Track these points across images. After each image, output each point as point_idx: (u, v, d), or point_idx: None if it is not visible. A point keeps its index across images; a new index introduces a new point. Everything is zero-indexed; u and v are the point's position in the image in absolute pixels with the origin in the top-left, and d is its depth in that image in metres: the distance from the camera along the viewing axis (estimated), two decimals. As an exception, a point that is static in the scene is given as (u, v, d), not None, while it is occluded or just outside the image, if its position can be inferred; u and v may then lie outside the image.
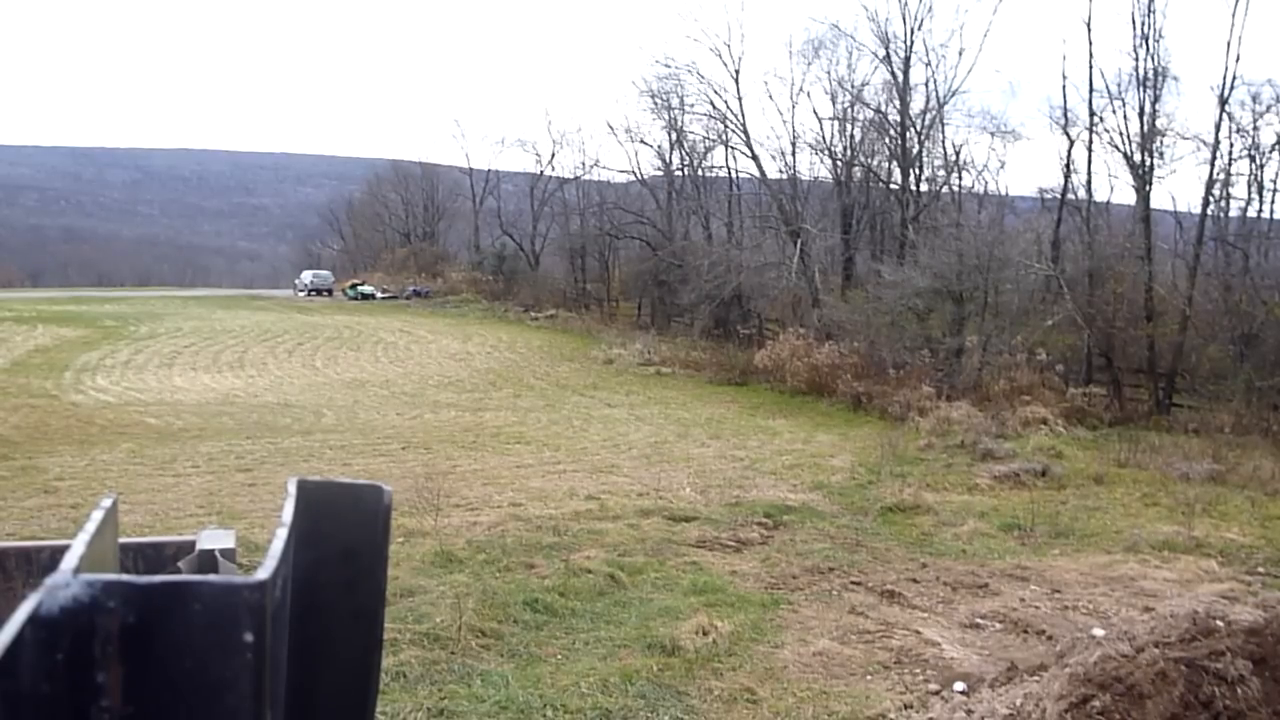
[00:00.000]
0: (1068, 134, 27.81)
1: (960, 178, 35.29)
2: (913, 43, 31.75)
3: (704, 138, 38.92)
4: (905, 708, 5.70)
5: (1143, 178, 24.74)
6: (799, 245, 29.97)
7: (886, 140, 33.46)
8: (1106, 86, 36.84)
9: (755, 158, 34.44)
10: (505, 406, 20.77)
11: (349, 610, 0.90)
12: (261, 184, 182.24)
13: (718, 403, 22.12)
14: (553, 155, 52.59)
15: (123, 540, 1.30)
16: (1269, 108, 25.30)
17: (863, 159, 34.48)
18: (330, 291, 55.55)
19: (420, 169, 64.98)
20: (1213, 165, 24.43)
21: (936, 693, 5.90)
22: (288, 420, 17.74)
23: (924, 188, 33.21)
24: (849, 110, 34.72)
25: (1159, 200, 41.99)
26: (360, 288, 52.71)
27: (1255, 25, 40.13)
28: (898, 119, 32.36)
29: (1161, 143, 25.22)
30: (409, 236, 65.05)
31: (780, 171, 35.50)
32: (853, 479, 13.38)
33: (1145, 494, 12.58)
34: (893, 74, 32.04)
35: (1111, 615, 7.41)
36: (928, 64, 32.58)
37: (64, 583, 0.61)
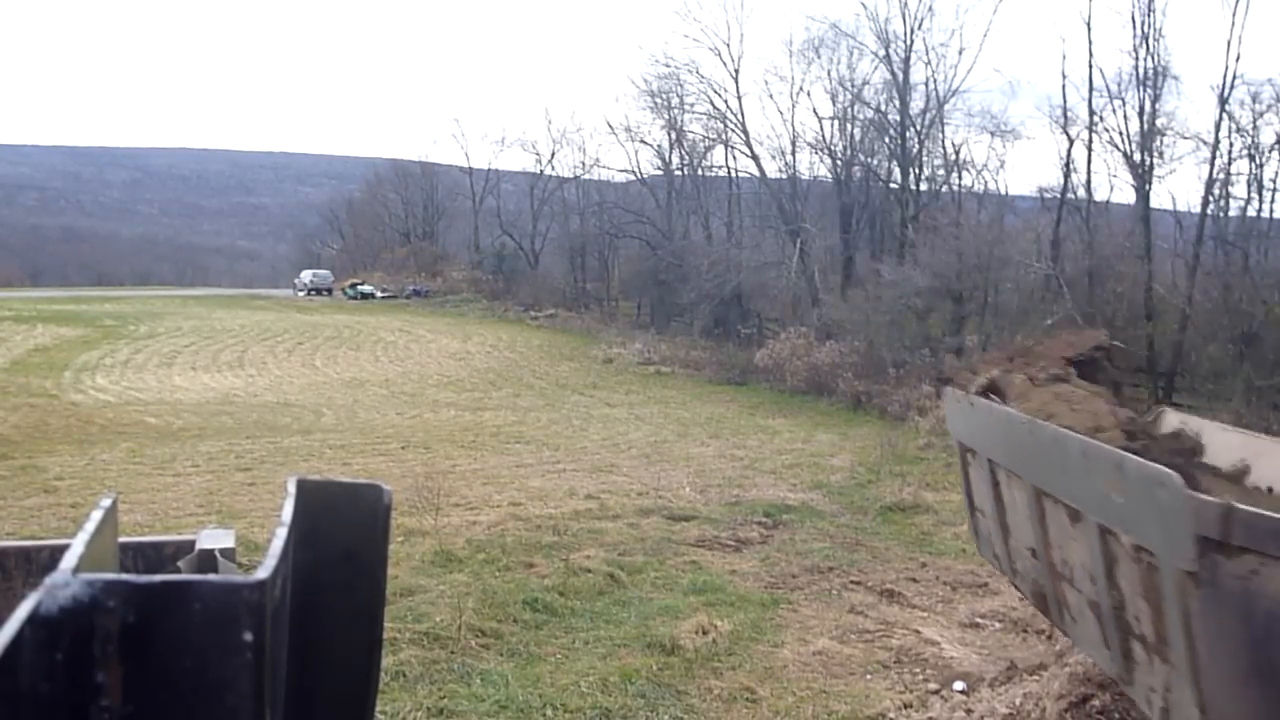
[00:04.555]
0: (1067, 133, 27.85)
1: (960, 177, 35.33)
2: (913, 42, 31.81)
3: (704, 137, 38.99)
4: (905, 707, 5.70)
5: (1142, 177, 24.75)
6: (799, 245, 29.98)
7: (886, 140, 33.48)
8: (1106, 86, 36.82)
9: (755, 157, 34.49)
10: (505, 406, 20.77)
11: (349, 610, 0.90)
12: (261, 183, 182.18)
13: (717, 402, 22.12)
14: (552, 155, 52.68)
15: (122, 540, 1.30)
16: (1269, 107, 25.32)
17: (862, 158, 34.50)
18: (330, 291, 55.55)
19: (420, 168, 64.95)
20: (1212, 164, 24.47)
21: (936, 692, 5.90)
22: (287, 419, 17.73)
23: (924, 187, 33.25)
24: (849, 110, 34.76)
25: (1159, 200, 41.96)
26: (360, 287, 52.71)
27: (1255, 25, 40.17)
28: (898, 118, 32.38)
29: (1161, 142, 25.26)
30: (409, 236, 65.04)
31: (780, 171, 35.56)
32: (852, 478, 13.37)
33: (1145, 493, 12.55)
34: (893, 73, 32.08)
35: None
36: (928, 63, 32.63)
37: (64, 582, 0.61)
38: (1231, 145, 25.84)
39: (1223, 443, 3.24)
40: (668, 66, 42.08)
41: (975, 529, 3.29)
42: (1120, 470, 2.06)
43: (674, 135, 40.45)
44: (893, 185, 33.01)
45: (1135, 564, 2.03)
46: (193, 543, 1.47)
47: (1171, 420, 3.62)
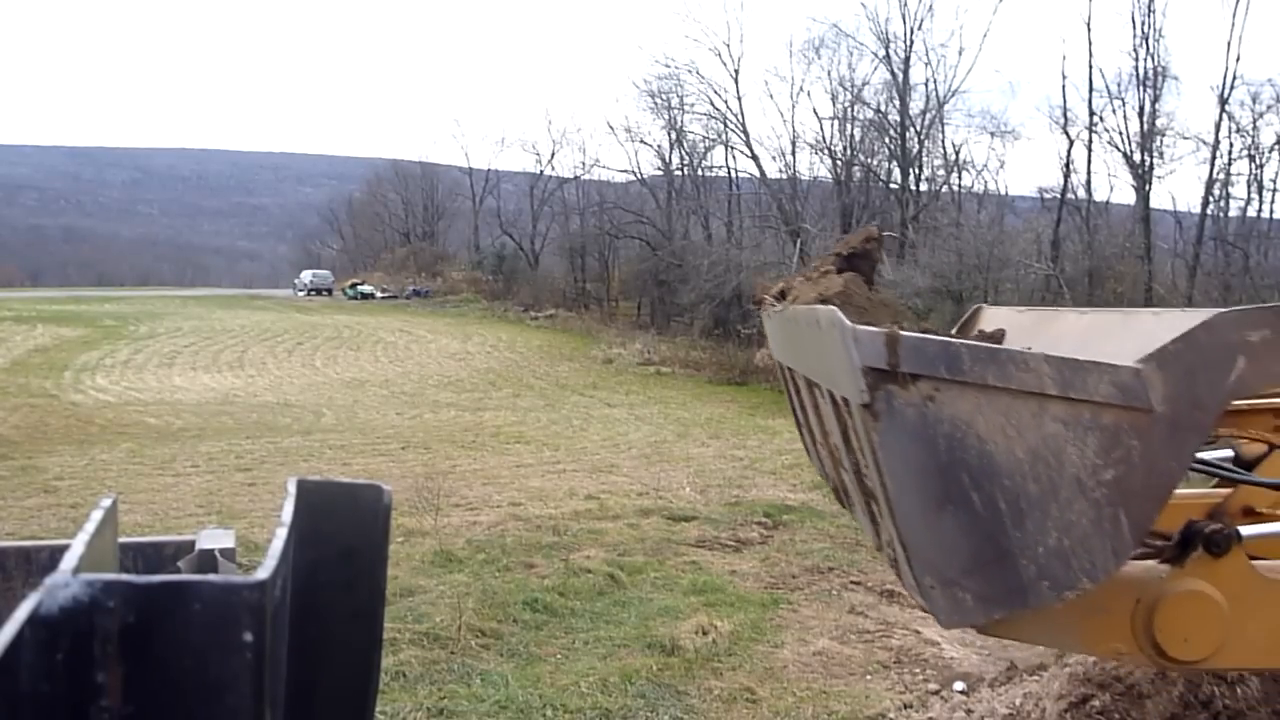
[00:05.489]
0: (1067, 134, 27.89)
1: (960, 177, 35.37)
2: (913, 43, 31.85)
3: (704, 137, 39.02)
4: (905, 707, 5.70)
5: (1142, 177, 24.77)
6: (799, 245, 30.00)
7: (886, 140, 33.50)
8: (1106, 86, 36.95)
9: (755, 157, 34.53)
10: (505, 406, 20.77)
11: (349, 610, 0.90)
12: (261, 184, 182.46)
13: (717, 402, 22.12)
14: (553, 155, 52.72)
15: (122, 540, 1.30)
16: (1269, 108, 25.37)
17: (862, 159, 34.51)
18: (330, 291, 55.62)
19: (420, 169, 65.05)
20: (1212, 165, 24.50)
21: (936, 692, 5.90)
22: (287, 420, 17.74)
23: (924, 187, 33.28)
24: (849, 110, 34.78)
25: (1159, 200, 42.02)
26: (360, 287, 52.77)
27: (1255, 25, 40.21)
28: (898, 119, 32.40)
29: (1161, 142, 25.29)
30: (409, 236, 65.12)
31: (780, 171, 35.59)
32: (852, 479, 13.37)
33: (1145, 494, 12.55)
34: (893, 74, 32.10)
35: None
36: (927, 64, 32.69)
37: (64, 582, 0.61)
38: (1231, 146, 25.91)
39: (1018, 324, 3.31)
40: (668, 67, 42.26)
41: (805, 445, 3.34)
42: (818, 324, 2.03)
43: (674, 135, 40.50)
44: (893, 185, 33.03)
45: (851, 419, 1.98)
46: (193, 543, 1.47)
47: (986, 314, 3.73)
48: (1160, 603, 1.99)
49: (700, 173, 41.42)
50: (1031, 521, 1.80)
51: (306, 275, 58.65)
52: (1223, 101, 23.44)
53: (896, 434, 1.77)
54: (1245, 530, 2.09)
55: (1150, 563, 2.06)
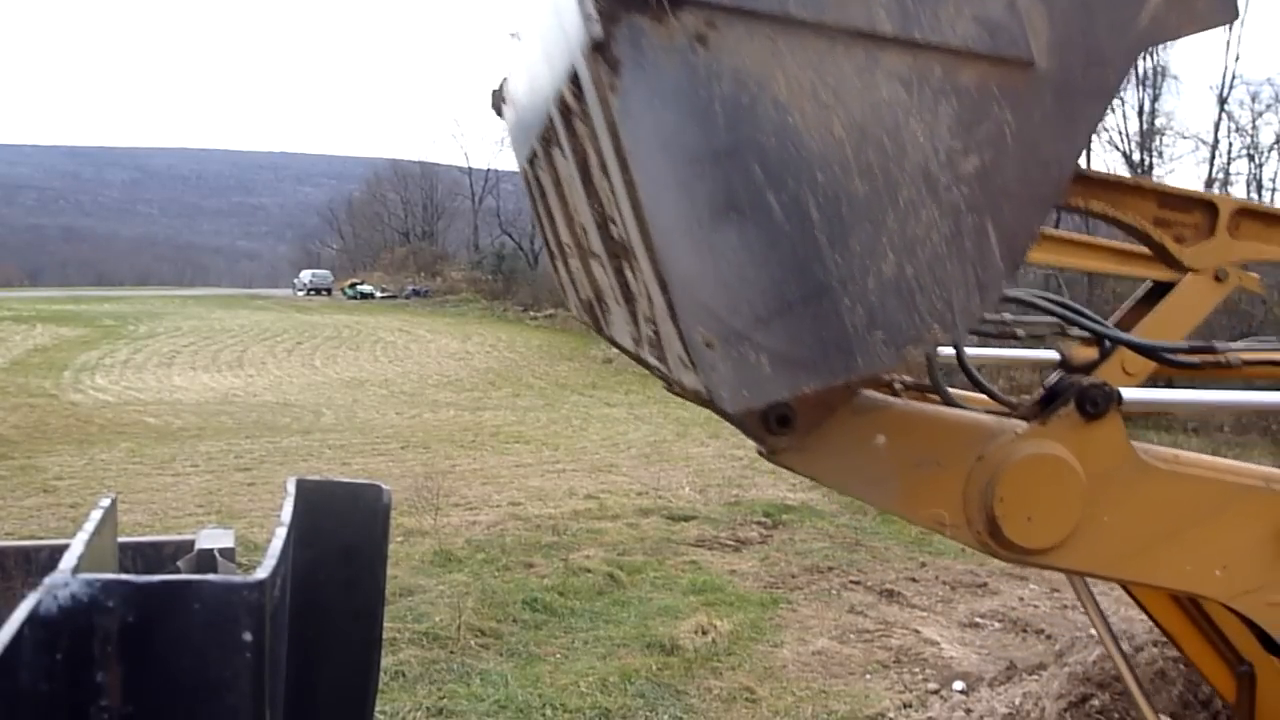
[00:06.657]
0: (1067, 133, 27.86)
1: (959, 177, 35.36)
2: (912, 42, 31.88)
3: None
4: (904, 707, 5.70)
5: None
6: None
7: (886, 139, 33.54)
8: (1106, 86, 36.85)
9: (754, 157, 34.52)
10: (504, 406, 20.77)
11: (348, 609, 0.90)
12: (261, 183, 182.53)
13: (717, 402, 22.11)
14: (552, 155, 52.69)
15: (122, 539, 1.30)
16: (1268, 107, 25.42)
17: (862, 158, 34.56)
18: (329, 291, 55.64)
19: (419, 168, 65.15)
20: (1212, 164, 24.53)
21: (936, 692, 5.91)
22: (287, 419, 17.73)
23: (923, 187, 33.30)
24: (848, 109, 34.81)
25: (1158, 199, 41.93)
26: (359, 287, 52.82)
27: (1255, 25, 40.23)
28: (897, 118, 32.45)
29: (1160, 141, 25.30)
30: (408, 236, 65.16)
31: (779, 171, 35.63)
32: (852, 478, 13.35)
33: (1144, 493, 12.54)
34: (892, 73, 32.15)
35: (1111, 614, 7.42)
36: (927, 63, 32.71)
37: (63, 582, 0.61)
38: (1231, 145, 25.97)
39: None
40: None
41: (560, 281, 2.12)
42: None
43: (673, 135, 40.54)
44: (892, 185, 33.07)
45: (584, 116, 1.25)
46: (192, 543, 1.47)
47: None
48: (1008, 464, 1.48)
49: (700, 172, 41.49)
50: (858, 239, 1.19)
51: (306, 275, 58.72)
52: (1222, 101, 23.52)
53: (647, 96, 1.11)
54: (1128, 394, 1.56)
55: (1004, 418, 1.56)
